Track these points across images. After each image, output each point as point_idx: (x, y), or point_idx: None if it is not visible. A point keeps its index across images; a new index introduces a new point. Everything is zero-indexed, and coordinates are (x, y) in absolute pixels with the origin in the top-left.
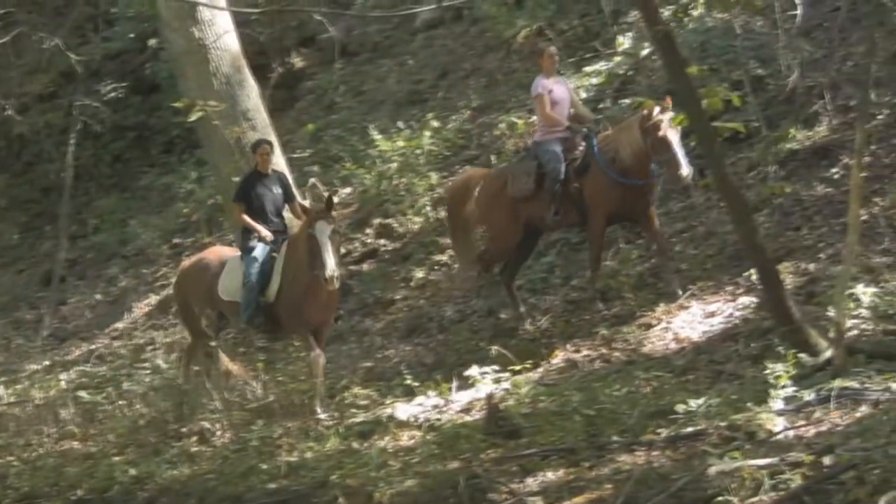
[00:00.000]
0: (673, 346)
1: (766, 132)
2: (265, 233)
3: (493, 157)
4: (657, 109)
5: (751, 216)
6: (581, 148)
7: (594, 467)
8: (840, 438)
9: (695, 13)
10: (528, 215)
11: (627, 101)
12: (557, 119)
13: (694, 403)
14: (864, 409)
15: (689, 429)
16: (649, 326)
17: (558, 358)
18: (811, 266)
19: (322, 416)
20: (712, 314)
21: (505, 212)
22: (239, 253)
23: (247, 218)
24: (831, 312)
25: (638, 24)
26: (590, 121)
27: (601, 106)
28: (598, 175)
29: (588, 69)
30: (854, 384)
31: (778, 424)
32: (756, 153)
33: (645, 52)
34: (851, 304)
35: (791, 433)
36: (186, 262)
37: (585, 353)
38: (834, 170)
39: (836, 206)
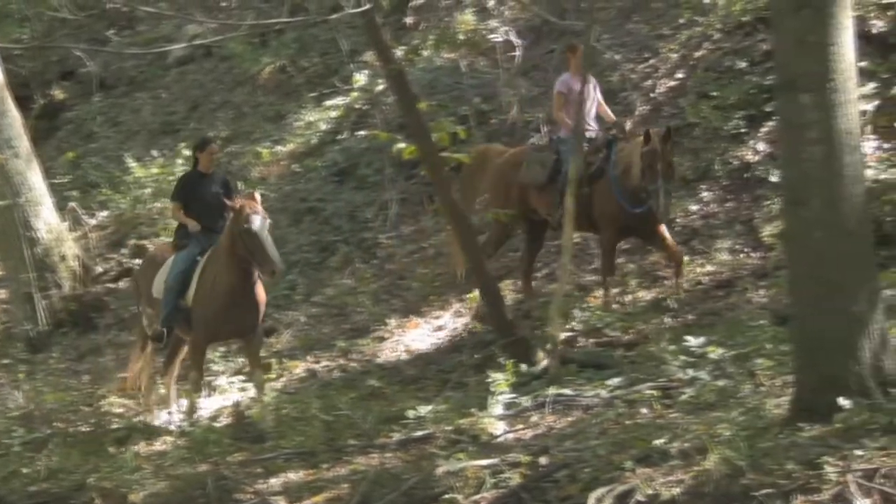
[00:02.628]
0: (404, 356)
1: None
2: (192, 224)
3: (239, 184)
4: (654, 137)
5: (474, 238)
6: (602, 154)
7: (332, 468)
8: (554, 440)
9: (425, 53)
10: (535, 207)
11: (363, 132)
12: (565, 121)
13: (423, 409)
14: (576, 414)
15: (419, 432)
16: (383, 339)
17: (300, 368)
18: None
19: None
20: (440, 328)
21: (513, 196)
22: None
23: (180, 214)
24: (547, 326)
25: (373, 62)
26: (610, 122)
27: (339, 137)
28: (607, 187)
29: (328, 103)
30: (567, 391)
31: (499, 428)
32: None
33: (379, 88)
34: (564, 318)
35: (511, 436)
36: (149, 253)
37: (325, 363)
38: None
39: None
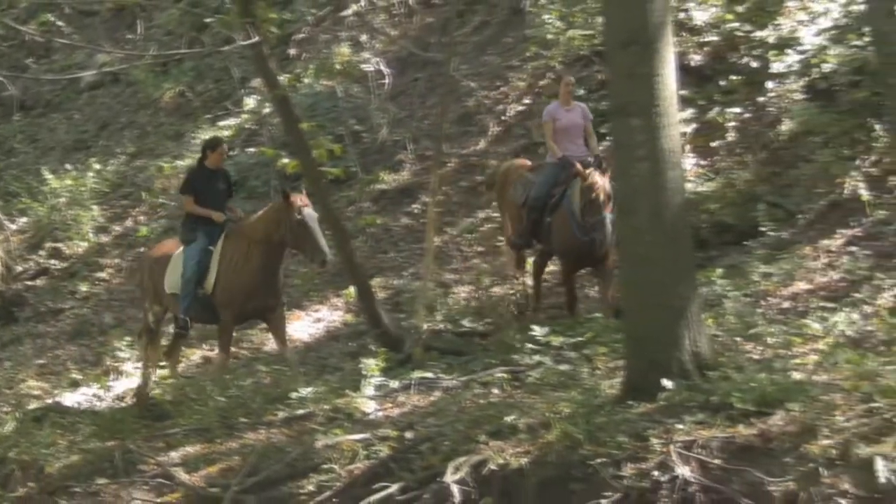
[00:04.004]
0: (288, 345)
1: (361, 176)
2: (217, 214)
3: (143, 194)
4: (592, 171)
5: (349, 242)
6: (564, 185)
7: (225, 443)
8: (418, 417)
9: (306, 80)
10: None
11: (253, 149)
12: (555, 149)
13: (304, 391)
14: (437, 394)
15: (301, 411)
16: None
17: (196, 355)
18: (397, 281)
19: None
20: (319, 320)
21: (510, 210)
22: (180, 248)
23: (196, 207)
24: (412, 318)
25: (261, 88)
26: (590, 153)
27: (231, 153)
28: (563, 218)
29: (221, 123)
30: (430, 375)
31: (370, 407)
32: (354, 192)
33: (266, 110)
34: (428, 311)
35: (381, 414)
36: (151, 252)
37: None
38: (415, 205)
39: (416, 234)
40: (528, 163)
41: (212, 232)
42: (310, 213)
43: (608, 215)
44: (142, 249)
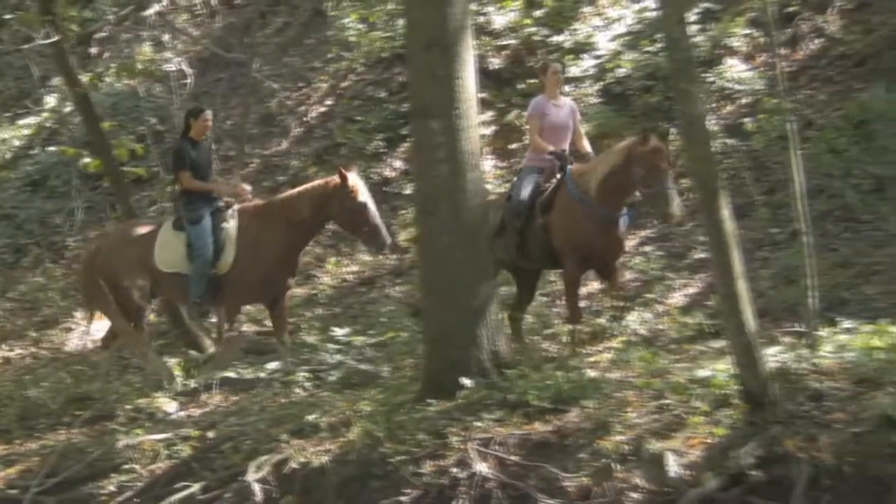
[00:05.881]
0: (90, 345)
1: (163, 175)
2: (224, 188)
3: None
4: (653, 138)
5: None
6: (556, 179)
7: (24, 444)
8: (221, 417)
9: (107, 80)
10: (500, 254)
11: (53, 148)
12: (542, 146)
13: (106, 390)
14: (239, 394)
15: (103, 411)
16: (70, 330)
17: None
18: None
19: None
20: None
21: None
22: (165, 223)
23: (198, 182)
24: (214, 318)
25: (62, 87)
26: (578, 153)
27: (32, 152)
28: (569, 210)
29: (21, 122)
30: (232, 374)
31: (172, 407)
32: (156, 192)
33: (67, 109)
34: None
35: (183, 413)
36: (103, 242)
37: (18, 351)
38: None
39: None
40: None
41: (209, 207)
42: (367, 194)
43: (673, 186)
44: None
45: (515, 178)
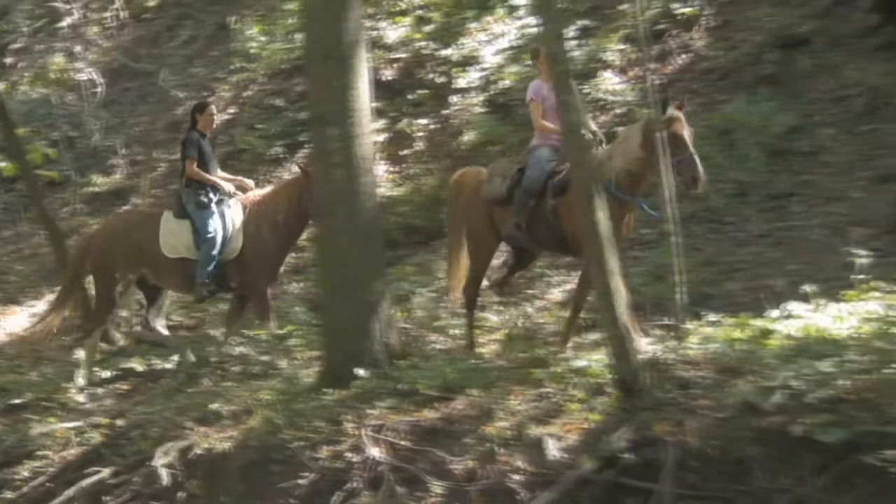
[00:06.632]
0: (4, 338)
1: (75, 179)
2: (228, 186)
3: None
4: (669, 107)
5: (63, 241)
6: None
7: None
8: (129, 405)
9: (22, 88)
10: (500, 224)
11: None
12: (551, 127)
13: (21, 381)
14: (147, 384)
15: (17, 400)
16: None
17: None
18: None
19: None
20: (35, 315)
21: (479, 217)
22: (166, 210)
23: (202, 173)
24: (124, 313)
25: None
26: (587, 131)
27: None
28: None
29: None
30: (138, 366)
31: (83, 396)
32: (68, 194)
33: None
34: (138, 307)
35: (94, 402)
36: (105, 227)
37: None
38: (126, 207)
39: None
40: (483, 169)
41: (215, 196)
42: None
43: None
44: None
45: (527, 154)
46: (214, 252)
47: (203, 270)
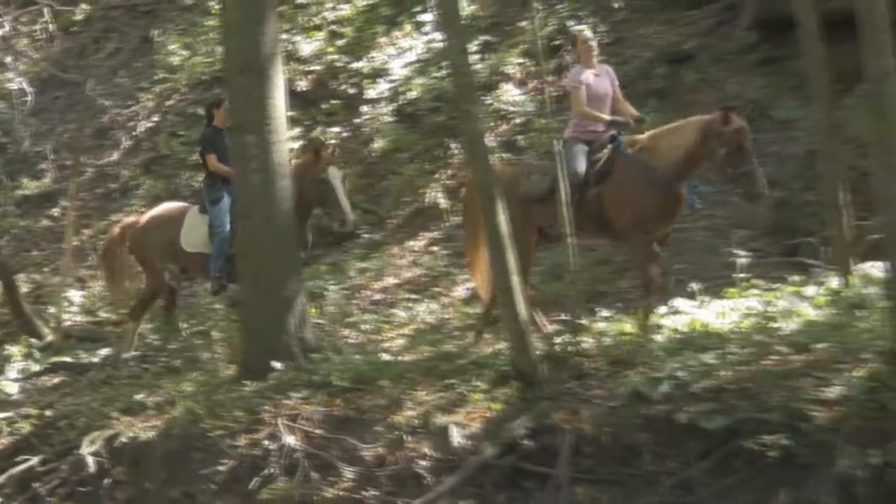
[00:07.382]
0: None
1: (6, 182)
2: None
3: None
4: (734, 118)
5: None
6: (608, 149)
7: None
8: (58, 397)
9: None
10: (542, 221)
11: None
12: (595, 115)
13: None
14: (74, 376)
15: None
16: None
17: None
18: (38, 277)
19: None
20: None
21: (518, 214)
22: (193, 206)
23: (220, 165)
24: (52, 309)
25: None
26: (631, 117)
27: None
28: (633, 182)
29: None
30: (68, 359)
31: (13, 388)
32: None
33: None
34: (66, 304)
35: (23, 394)
36: (143, 219)
37: None
38: (55, 209)
39: (56, 235)
40: (507, 167)
41: (231, 190)
42: (334, 171)
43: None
44: None
45: (564, 149)
46: (224, 247)
47: (216, 263)
